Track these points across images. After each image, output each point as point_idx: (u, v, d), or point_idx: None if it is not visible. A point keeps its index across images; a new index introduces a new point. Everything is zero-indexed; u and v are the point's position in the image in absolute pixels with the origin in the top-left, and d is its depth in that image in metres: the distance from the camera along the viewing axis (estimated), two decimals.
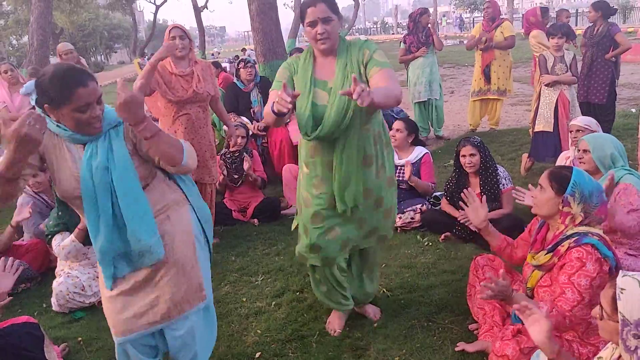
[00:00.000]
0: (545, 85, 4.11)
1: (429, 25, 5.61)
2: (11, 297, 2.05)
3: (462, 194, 2.17)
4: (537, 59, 4.76)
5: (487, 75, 5.70)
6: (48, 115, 1.57)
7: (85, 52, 28.05)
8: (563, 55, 4.08)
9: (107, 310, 1.79)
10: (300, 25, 2.08)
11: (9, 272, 2.02)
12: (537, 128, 4.17)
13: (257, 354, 2.27)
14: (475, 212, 2.11)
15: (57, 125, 1.58)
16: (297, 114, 2.06)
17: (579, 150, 2.55)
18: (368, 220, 2.21)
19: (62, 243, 2.81)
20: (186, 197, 1.82)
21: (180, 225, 1.77)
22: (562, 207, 1.76)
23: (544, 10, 5.76)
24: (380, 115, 2.19)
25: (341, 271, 2.30)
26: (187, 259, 1.77)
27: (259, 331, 2.45)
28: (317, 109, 2.02)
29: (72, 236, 2.79)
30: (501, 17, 5.86)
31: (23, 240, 3.40)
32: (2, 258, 2.06)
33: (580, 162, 2.53)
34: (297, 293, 2.76)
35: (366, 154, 2.08)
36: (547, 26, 5.54)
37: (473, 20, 32.11)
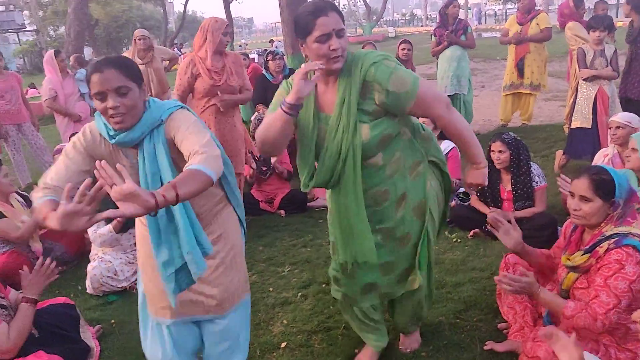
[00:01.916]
0: (584, 80, 3.96)
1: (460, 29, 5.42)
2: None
3: (487, 219, 2.04)
4: (573, 53, 4.59)
5: (520, 69, 5.52)
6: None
7: (119, 42, 28.68)
8: (603, 49, 3.93)
9: (152, 293, 1.69)
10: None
11: (42, 276, 2.06)
12: (575, 124, 4.03)
13: (283, 344, 2.29)
14: (507, 235, 1.96)
15: (105, 124, 1.46)
16: (300, 156, 1.79)
17: (628, 148, 2.45)
18: (396, 262, 1.85)
19: (99, 230, 2.90)
20: (226, 195, 1.72)
21: (229, 219, 1.73)
22: (612, 211, 1.70)
23: (578, 0, 5.52)
24: (407, 134, 1.75)
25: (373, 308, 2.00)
26: (238, 249, 1.75)
27: (285, 321, 2.48)
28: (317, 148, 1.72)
29: (110, 226, 2.87)
30: (536, 8, 5.67)
31: None
32: (42, 260, 2.10)
33: (626, 160, 2.44)
34: (324, 285, 2.78)
35: (375, 191, 1.73)
36: (585, 18, 5.33)
37: (505, 12, 31.20)
